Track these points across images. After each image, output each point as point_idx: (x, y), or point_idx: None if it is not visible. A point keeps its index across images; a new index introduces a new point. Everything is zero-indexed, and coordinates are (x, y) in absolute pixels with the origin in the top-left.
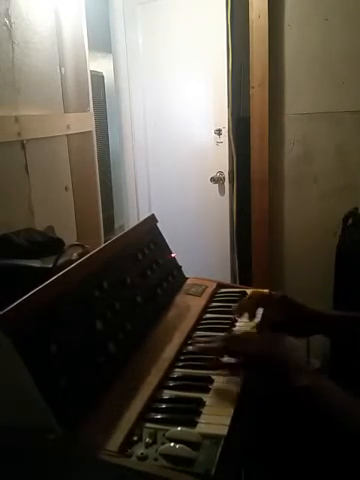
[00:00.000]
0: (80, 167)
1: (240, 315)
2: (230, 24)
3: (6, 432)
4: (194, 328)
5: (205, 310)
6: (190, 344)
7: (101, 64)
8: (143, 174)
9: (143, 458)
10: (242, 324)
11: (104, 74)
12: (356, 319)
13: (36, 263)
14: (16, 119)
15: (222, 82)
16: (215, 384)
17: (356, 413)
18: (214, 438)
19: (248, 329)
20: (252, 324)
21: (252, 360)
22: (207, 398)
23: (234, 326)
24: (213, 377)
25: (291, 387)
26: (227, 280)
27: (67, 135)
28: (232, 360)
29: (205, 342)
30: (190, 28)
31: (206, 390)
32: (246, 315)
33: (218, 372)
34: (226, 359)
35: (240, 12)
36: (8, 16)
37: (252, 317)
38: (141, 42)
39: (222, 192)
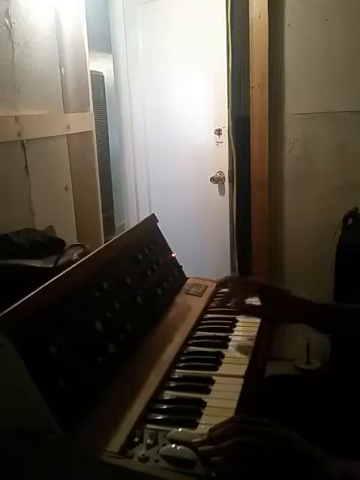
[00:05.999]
0: (80, 167)
1: (228, 302)
2: (230, 24)
3: (6, 432)
4: (194, 328)
5: (205, 310)
6: (191, 344)
7: (101, 64)
8: (143, 174)
9: (144, 459)
10: (242, 326)
11: (104, 74)
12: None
13: (37, 263)
14: (16, 119)
15: (222, 82)
16: (216, 385)
17: None
18: None
19: (245, 341)
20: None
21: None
22: (208, 399)
23: (235, 326)
24: (214, 378)
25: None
26: None
27: (67, 135)
28: (256, 302)
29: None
30: (190, 28)
31: (207, 391)
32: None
33: (218, 372)
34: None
35: (240, 12)
36: (8, 16)
37: (241, 305)
38: (141, 42)
39: (222, 192)
